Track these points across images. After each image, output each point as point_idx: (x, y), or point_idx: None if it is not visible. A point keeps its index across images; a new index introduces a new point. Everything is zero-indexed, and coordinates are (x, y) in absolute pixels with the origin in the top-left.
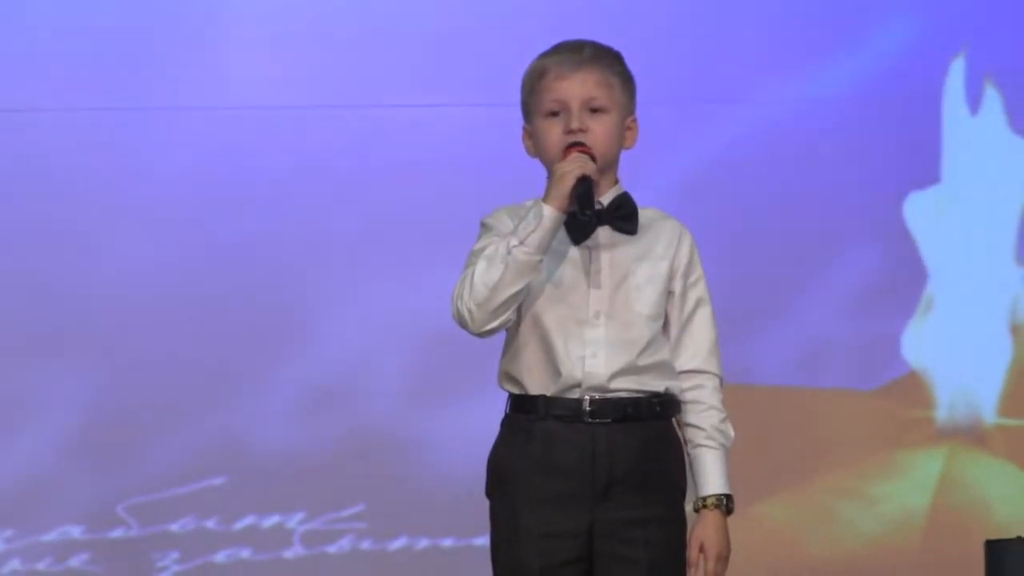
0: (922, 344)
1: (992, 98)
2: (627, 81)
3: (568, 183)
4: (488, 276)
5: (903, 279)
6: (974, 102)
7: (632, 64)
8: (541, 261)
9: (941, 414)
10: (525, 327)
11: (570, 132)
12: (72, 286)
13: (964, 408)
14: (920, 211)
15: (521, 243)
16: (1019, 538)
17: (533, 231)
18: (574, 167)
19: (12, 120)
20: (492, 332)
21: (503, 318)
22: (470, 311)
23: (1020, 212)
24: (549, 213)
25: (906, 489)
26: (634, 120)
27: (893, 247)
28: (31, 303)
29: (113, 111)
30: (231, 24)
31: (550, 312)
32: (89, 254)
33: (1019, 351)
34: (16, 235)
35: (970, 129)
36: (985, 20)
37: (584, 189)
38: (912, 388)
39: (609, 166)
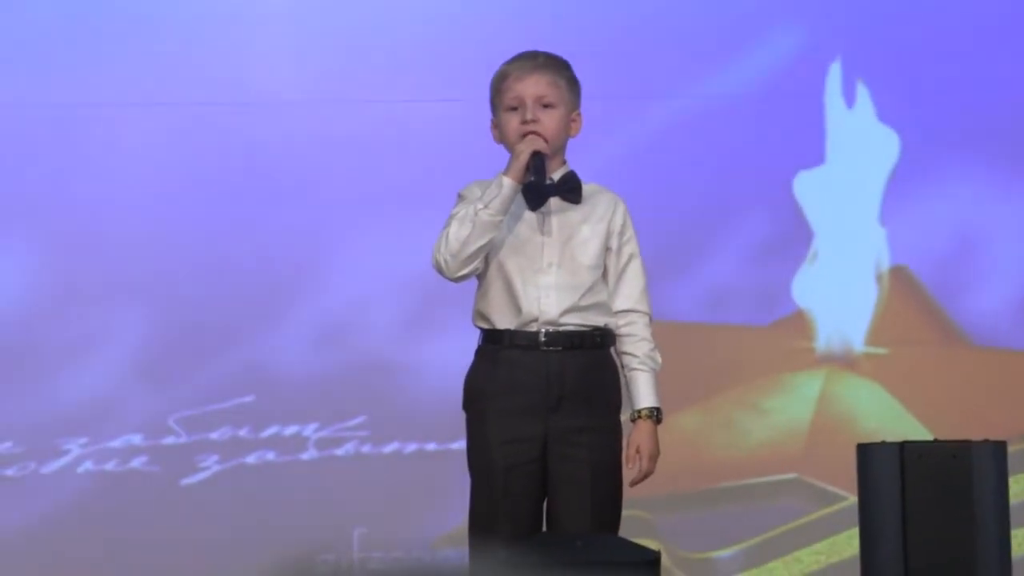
0: (807, 288)
1: (863, 94)
2: (572, 83)
3: (523, 159)
4: (459, 233)
5: (793, 237)
6: (849, 98)
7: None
8: (502, 221)
9: (820, 344)
10: (492, 274)
11: (525, 123)
12: (130, 247)
13: (839, 339)
14: (807, 186)
15: (486, 207)
16: (884, 443)
17: (495, 197)
18: (527, 146)
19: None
20: (463, 278)
21: (472, 267)
22: (445, 260)
23: (883, 185)
24: (508, 183)
25: (792, 403)
26: (578, 114)
27: (785, 214)
28: (105, 262)
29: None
30: (254, 23)
31: (512, 262)
32: (147, 222)
33: (882, 294)
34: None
35: (847, 119)
36: (858, 30)
37: (539, 161)
38: (798, 323)
39: (558, 150)
